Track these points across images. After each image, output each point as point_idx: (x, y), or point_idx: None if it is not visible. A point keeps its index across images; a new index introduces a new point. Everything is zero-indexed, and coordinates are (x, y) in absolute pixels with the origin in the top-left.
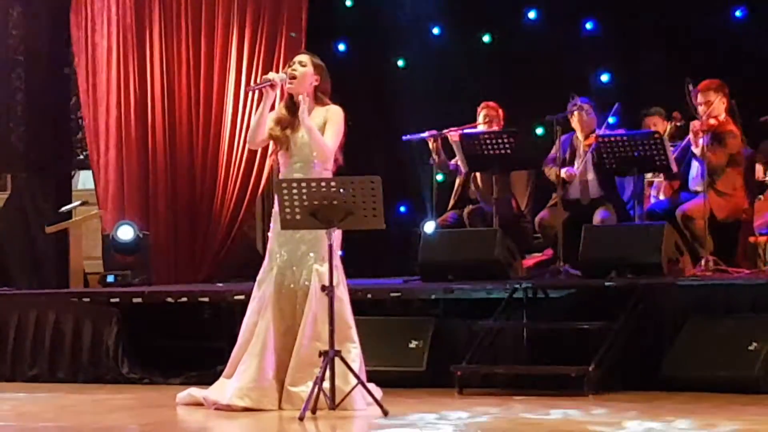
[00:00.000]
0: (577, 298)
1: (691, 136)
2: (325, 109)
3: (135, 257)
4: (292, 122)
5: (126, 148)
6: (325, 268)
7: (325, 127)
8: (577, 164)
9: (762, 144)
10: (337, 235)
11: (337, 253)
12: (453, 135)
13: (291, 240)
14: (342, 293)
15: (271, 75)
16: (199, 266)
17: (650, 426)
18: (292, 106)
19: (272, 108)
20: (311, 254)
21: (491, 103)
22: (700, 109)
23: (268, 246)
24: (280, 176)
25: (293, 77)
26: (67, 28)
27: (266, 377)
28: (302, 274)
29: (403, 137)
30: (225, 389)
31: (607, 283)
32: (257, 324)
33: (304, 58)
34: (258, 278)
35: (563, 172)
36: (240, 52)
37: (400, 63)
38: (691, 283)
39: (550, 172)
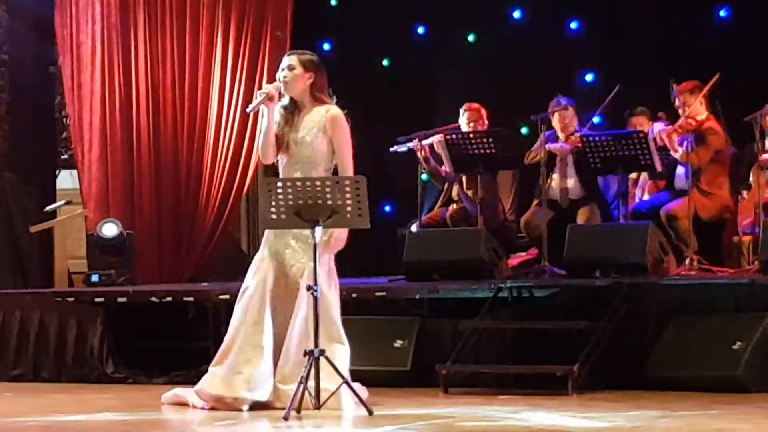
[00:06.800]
0: (562, 298)
1: (667, 142)
2: (324, 109)
3: (119, 257)
4: (289, 121)
5: (110, 147)
6: (318, 265)
7: (334, 142)
8: (558, 167)
9: None
10: (339, 235)
11: (331, 253)
12: (437, 139)
13: (287, 233)
14: (332, 294)
15: (266, 88)
16: (183, 266)
17: (634, 425)
18: (289, 105)
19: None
20: (307, 250)
21: (474, 105)
22: (680, 111)
23: (265, 236)
24: (280, 177)
25: (285, 83)
26: (51, 27)
27: (268, 369)
28: (295, 267)
29: (390, 149)
30: (228, 383)
31: (591, 283)
32: (259, 314)
33: (291, 60)
34: (253, 267)
35: (554, 147)
36: (225, 50)
37: (385, 62)
38: (675, 282)
39: (534, 157)
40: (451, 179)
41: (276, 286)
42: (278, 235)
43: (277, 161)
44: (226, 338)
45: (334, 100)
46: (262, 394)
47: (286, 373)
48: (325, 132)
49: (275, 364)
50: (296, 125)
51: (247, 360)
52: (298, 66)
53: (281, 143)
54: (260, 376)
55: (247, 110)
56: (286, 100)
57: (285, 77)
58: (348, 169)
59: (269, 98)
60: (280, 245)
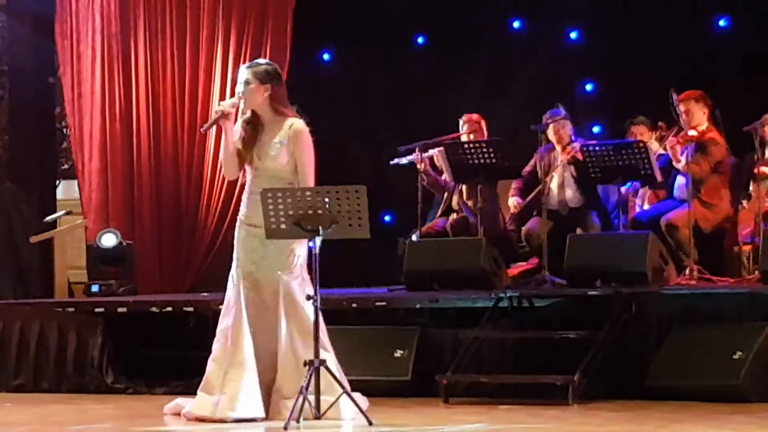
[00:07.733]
0: (562, 307)
1: (669, 152)
2: (288, 123)
3: (119, 267)
4: (253, 135)
5: (111, 157)
6: (291, 277)
7: (296, 156)
8: (556, 177)
9: None
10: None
11: (304, 262)
12: (438, 152)
13: (257, 249)
14: (308, 305)
15: (221, 105)
16: (184, 276)
17: None
18: (251, 119)
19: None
20: (277, 263)
21: (473, 116)
22: (682, 119)
23: (234, 254)
24: (246, 189)
25: (243, 99)
26: (51, 37)
27: (254, 385)
28: (269, 282)
29: (391, 162)
30: (212, 403)
31: (591, 292)
32: (236, 333)
33: (246, 75)
34: (229, 287)
35: (511, 203)
36: (225, 60)
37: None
38: (675, 292)
39: (511, 201)
40: (450, 188)
41: (251, 305)
42: (248, 251)
43: (245, 174)
44: (209, 365)
45: (295, 109)
46: (248, 412)
47: (283, 386)
48: (288, 146)
49: (262, 381)
50: (260, 139)
51: (229, 380)
52: (253, 80)
53: (244, 157)
54: (245, 396)
55: (202, 130)
56: (247, 114)
57: (242, 93)
58: (309, 182)
59: (224, 116)
60: (248, 263)
